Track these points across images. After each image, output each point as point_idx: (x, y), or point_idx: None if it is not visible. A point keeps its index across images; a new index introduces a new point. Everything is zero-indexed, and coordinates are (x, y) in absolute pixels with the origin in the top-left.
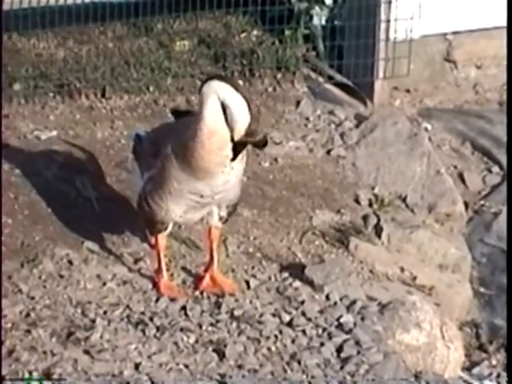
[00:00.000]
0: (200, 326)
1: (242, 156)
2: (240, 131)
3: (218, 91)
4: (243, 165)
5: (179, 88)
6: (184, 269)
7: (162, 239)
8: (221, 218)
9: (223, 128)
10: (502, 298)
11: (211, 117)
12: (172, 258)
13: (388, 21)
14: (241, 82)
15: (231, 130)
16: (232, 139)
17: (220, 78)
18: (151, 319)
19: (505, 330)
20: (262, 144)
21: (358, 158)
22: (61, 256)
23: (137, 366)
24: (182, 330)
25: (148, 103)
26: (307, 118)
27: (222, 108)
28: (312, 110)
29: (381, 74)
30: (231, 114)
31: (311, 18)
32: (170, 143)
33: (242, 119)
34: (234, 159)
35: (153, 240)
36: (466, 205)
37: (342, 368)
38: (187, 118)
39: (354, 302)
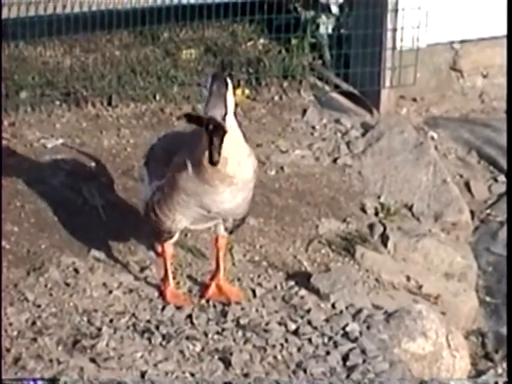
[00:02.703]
0: (206, 335)
1: (252, 173)
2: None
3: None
4: (253, 182)
5: (185, 96)
6: (190, 277)
7: (169, 247)
8: (226, 229)
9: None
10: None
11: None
12: (178, 266)
13: (394, 29)
14: (247, 91)
15: None
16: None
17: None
18: (157, 327)
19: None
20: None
21: (364, 167)
22: (67, 264)
23: (143, 375)
24: (187, 338)
25: (154, 111)
26: (313, 127)
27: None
28: (318, 119)
29: (387, 83)
30: None
31: (318, 26)
32: (185, 152)
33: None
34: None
35: (159, 248)
36: (472, 214)
37: (347, 376)
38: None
39: (359, 311)
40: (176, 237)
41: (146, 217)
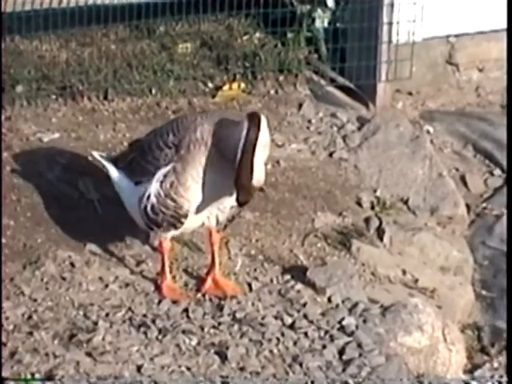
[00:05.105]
0: (202, 329)
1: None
2: None
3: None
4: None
5: (181, 90)
6: (186, 271)
7: (167, 241)
8: (219, 223)
9: None
10: (504, 301)
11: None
12: (174, 261)
13: (390, 23)
14: (243, 85)
15: None
16: None
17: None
18: (153, 321)
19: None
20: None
21: (360, 161)
22: (63, 258)
23: (139, 368)
24: (184, 332)
25: (150, 105)
26: (309, 121)
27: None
28: (314, 113)
29: (383, 77)
30: None
31: (313, 20)
32: (207, 131)
33: None
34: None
35: (157, 242)
36: (468, 207)
37: (343, 370)
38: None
39: (356, 305)
40: (180, 229)
41: (159, 207)
